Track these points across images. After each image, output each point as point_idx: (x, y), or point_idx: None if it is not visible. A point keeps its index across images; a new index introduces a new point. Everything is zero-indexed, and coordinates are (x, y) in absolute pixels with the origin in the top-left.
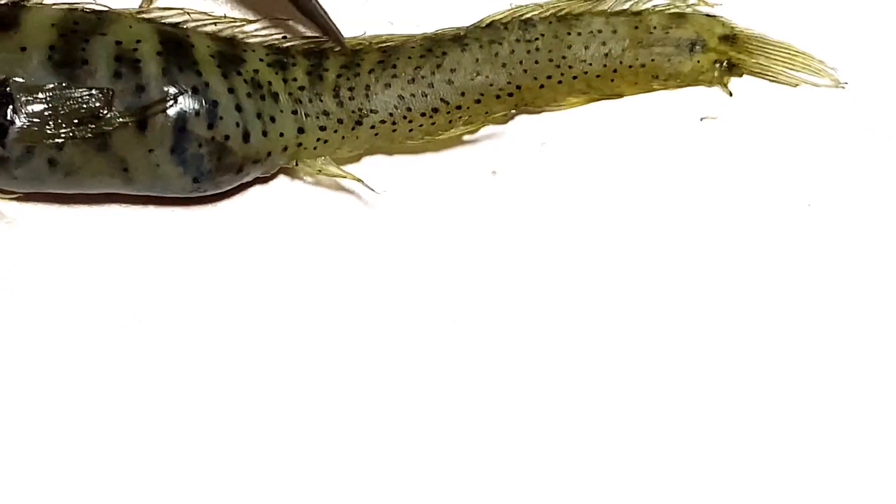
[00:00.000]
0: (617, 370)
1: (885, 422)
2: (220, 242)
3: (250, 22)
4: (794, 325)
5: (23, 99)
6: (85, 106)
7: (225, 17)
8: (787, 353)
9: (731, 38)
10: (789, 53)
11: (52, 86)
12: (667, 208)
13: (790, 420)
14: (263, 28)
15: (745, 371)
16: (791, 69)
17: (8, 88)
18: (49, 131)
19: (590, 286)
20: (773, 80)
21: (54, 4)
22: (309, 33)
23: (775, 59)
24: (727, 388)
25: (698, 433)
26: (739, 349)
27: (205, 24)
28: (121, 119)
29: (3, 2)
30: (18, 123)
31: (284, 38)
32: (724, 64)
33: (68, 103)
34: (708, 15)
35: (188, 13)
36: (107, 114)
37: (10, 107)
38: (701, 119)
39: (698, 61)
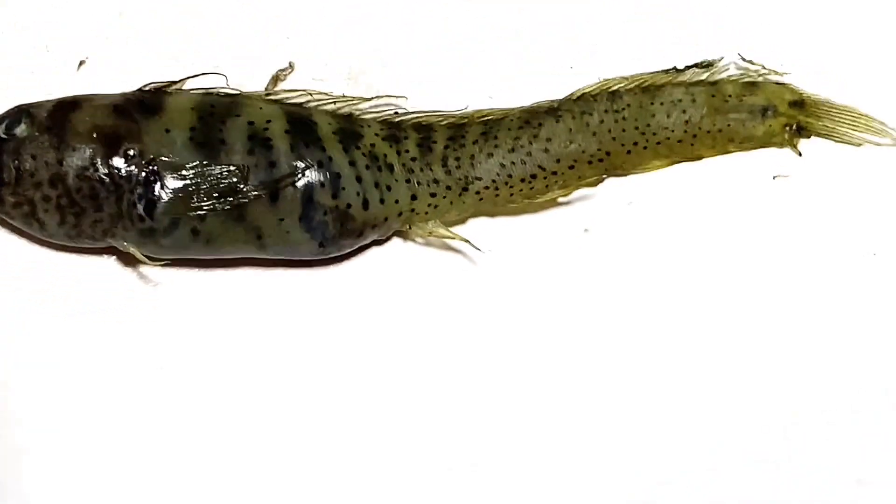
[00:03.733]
0: (708, 416)
1: None
2: (343, 299)
3: (365, 100)
4: (865, 369)
5: (169, 176)
6: (224, 181)
7: (343, 95)
8: (864, 404)
9: (800, 103)
10: (853, 116)
11: (194, 164)
12: (745, 260)
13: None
14: (377, 105)
15: (821, 426)
16: (855, 130)
17: (156, 167)
18: (193, 205)
19: (671, 332)
20: (838, 141)
21: (192, 90)
22: (417, 109)
23: (840, 122)
24: (798, 445)
25: None
26: (823, 400)
27: (325, 104)
28: (255, 192)
29: (146, 88)
30: (165, 198)
31: (396, 113)
32: (794, 127)
33: (209, 179)
34: (778, 83)
35: (310, 93)
36: (243, 188)
37: (158, 183)
38: (773, 177)
39: (770, 125)
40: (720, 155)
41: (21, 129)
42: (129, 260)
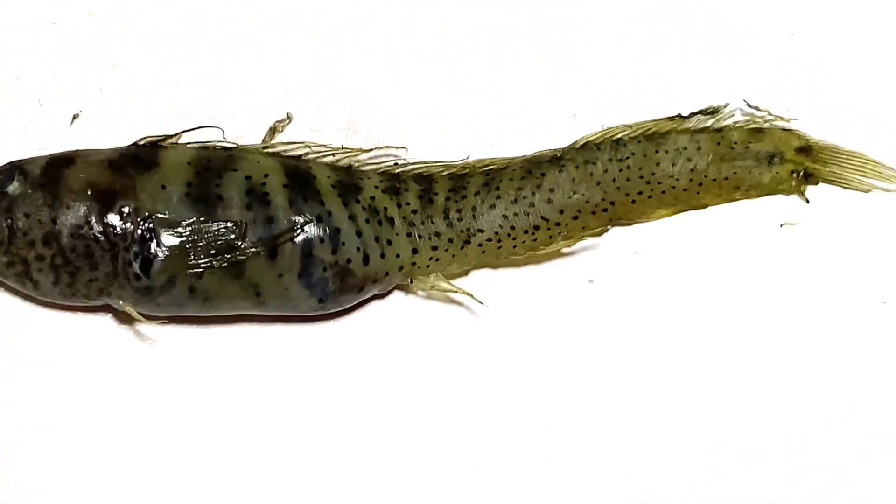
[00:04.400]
0: (716, 470)
1: None
2: (343, 354)
3: (364, 151)
4: (879, 417)
5: (165, 234)
6: (221, 238)
7: (342, 147)
8: (883, 454)
9: (807, 149)
10: (861, 162)
11: (191, 220)
12: (753, 309)
13: None
14: (376, 156)
15: (841, 474)
16: (863, 176)
17: (152, 224)
18: (189, 262)
19: (679, 386)
20: (846, 187)
21: (188, 143)
22: (418, 159)
23: (848, 168)
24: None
25: None
26: (840, 448)
27: (324, 156)
28: (253, 249)
29: (141, 143)
30: (162, 256)
31: (396, 164)
32: (801, 174)
33: (206, 236)
34: (784, 129)
35: (308, 146)
36: (241, 244)
37: (155, 241)
38: (781, 225)
39: (777, 172)
40: (726, 203)
41: (14, 187)
42: (125, 318)
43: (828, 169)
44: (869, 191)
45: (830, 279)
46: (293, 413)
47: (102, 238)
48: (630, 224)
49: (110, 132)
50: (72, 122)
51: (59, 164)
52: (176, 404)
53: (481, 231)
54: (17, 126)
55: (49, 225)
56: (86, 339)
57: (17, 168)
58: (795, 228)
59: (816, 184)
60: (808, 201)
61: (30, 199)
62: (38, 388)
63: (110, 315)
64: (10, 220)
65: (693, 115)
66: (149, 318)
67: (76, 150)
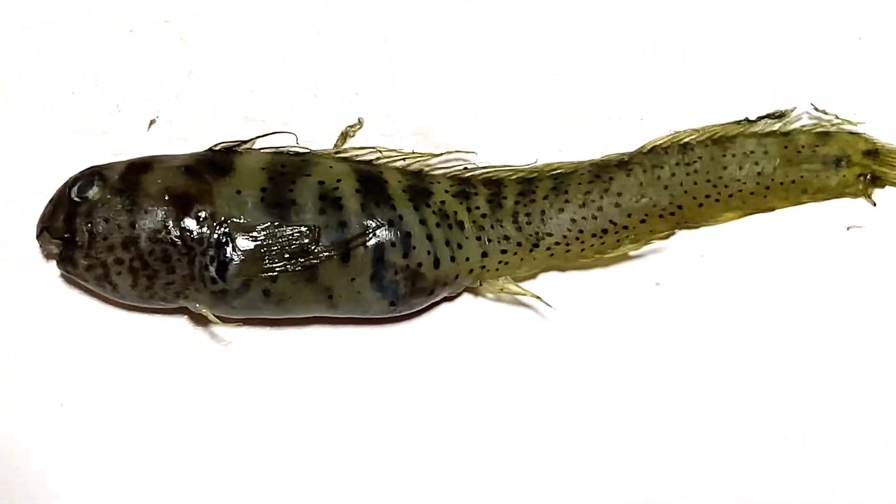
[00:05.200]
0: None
1: None
2: (414, 356)
3: (434, 156)
4: None
5: (240, 238)
6: (295, 242)
7: (412, 152)
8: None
9: (874, 153)
10: None
11: (265, 225)
12: (820, 312)
13: None
14: (446, 160)
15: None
16: None
17: (227, 229)
18: (264, 266)
19: (745, 382)
20: None
21: (262, 149)
22: (487, 163)
23: None
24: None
25: None
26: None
27: (395, 160)
28: (326, 253)
29: (217, 148)
30: (237, 260)
31: (465, 168)
32: (868, 177)
33: (280, 240)
34: (851, 132)
35: (380, 150)
36: (314, 248)
37: (230, 245)
38: (848, 228)
39: (844, 175)
40: (793, 206)
41: (93, 192)
42: (200, 319)
43: (895, 172)
44: None
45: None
46: (366, 413)
47: (179, 242)
48: (697, 227)
49: (186, 137)
50: (149, 127)
51: (137, 170)
52: (250, 404)
53: (549, 235)
54: (96, 131)
55: (128, 229)
56: (163, 340)
57: (96, 174)
58: (862, 231)
59: (883, 187)
60: (874, 204)
61: (109, 204)
62: (116, 388)
63: (186, 317)
64: (90, 225)
65: (760, 118)
66: (224, 320)
67: (153, 156)
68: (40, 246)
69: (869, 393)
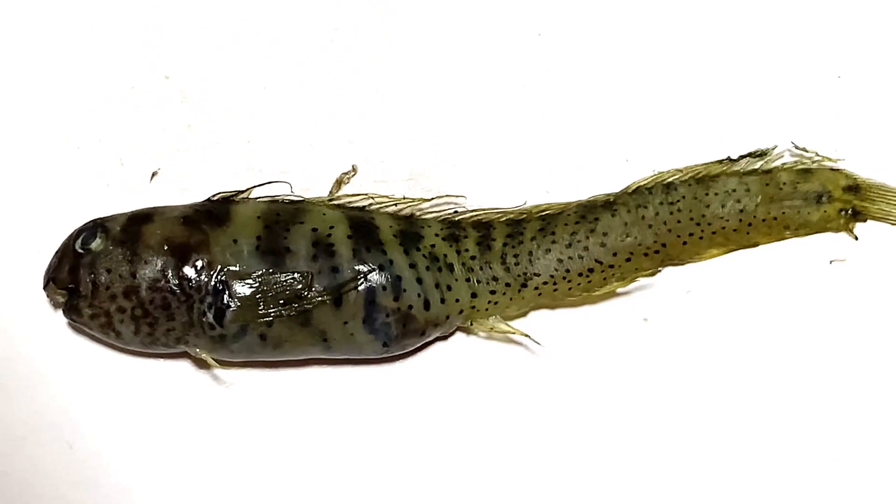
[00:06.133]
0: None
1: None
2: (408, 394)
3: (425, 200)
4: None
5: (237, 285)
6: (289, 288)
7: (404, 197)
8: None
9: (855, 188)
10: None
11: (260, 272)
12: (803, 343)
13: None
14: (437, 204)
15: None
16: None
17: (224, 276)
18: (260, 311)
19: (732, 418)
20: (894, 224)
21: (258, 198)
22: (476, 206)
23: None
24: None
25: None
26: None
27: (387, 206)
28: (319, 298)
29: (215, 198)
30: (234, 306)
31: (455, 212)
32: (849, 212)
33: (275, 287)
34: (832, 169)
35: (372, 197)
36: (308, 294)
37: (227, 293)
38: (830, 262)
39: (825, 211)
40: (776, 241)
41: (96, 244)
42: (202, 363)
43: (875, 206)
44: None
45: (879, 315)
46: (363, 450)
47: (178, 290)
48: (682, 264)
49: (187, 188)
50: (151, 179)
51: (138, 221)
52: (251, 444)
53: (537, 275)
54: (100, 184)
55: (129, 279)
56: (166, 383)
57: (99, 226)
58: (845, 265)
59: (865, 221)
60: (856, 238)
61: (111, 254)
62: (122, 429)
63: (188, 361)
64: (93, 275)
65: (742, 157)
66: (224, 363)
67: (154, 207)
68: (47, 296)
69: (855, 421)
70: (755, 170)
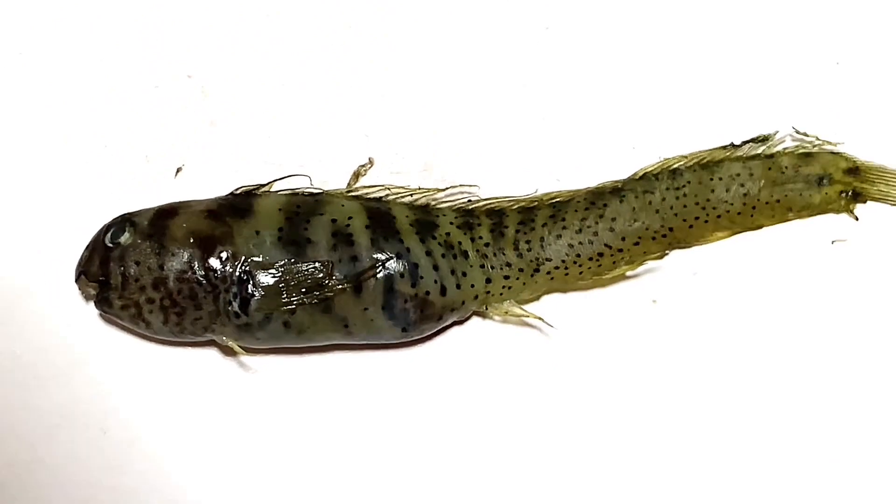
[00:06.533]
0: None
1: None
2: (427, 377)
3: (440, 190)
4: None
5: (260, 275)
6: (310, 277)
7: (419, 187)
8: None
9: (854, 170)
10: None
11: (282, 262)
12: (807, 322)
13: None
14: (451, 194)
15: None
16: None
17: (248, 267)
18: (283, 300)
19: (738, 393)
20: (894, 205)
21: (279, 191)
22: (489, 195)
23: (895, 186)
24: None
25: None
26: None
27: (402, 196)
28: (340, 286)
29: (237, 192)
30: (258, 295)
31: (469, 201)
32: (850, 193)
33: (297, 276)
34: (832, 152)
35: (388, 188)
36: (328, 282)
37: (251, 282)
38: (832, 242)
39: (826, 193)
40: (780, 223)
41: (125, 238)
42: (229, 350)
43: (875, 188)
44: None
45: (880, 293)
46: (385, 431)
47: (205, 281)
48: (689, 247)
49: (211, 182)
50: (176, 175)
51: (165, 215)
52: (277, 427)
53: (549, 260)
54: (127, 180)
55: (157, 271)
56: (195, 370)
57: (127, 220)
58: (846, 245)
59: (865, 202)
60: (857, 219)
61: (139, 248)
62: (154, 415)
63: (216, 349)
64: (122, 268)
65: (745, 143)
66: (249, 350)
67: (180, 202)
68: (79, 288)
69: (858, 401)
70: (758, 155)
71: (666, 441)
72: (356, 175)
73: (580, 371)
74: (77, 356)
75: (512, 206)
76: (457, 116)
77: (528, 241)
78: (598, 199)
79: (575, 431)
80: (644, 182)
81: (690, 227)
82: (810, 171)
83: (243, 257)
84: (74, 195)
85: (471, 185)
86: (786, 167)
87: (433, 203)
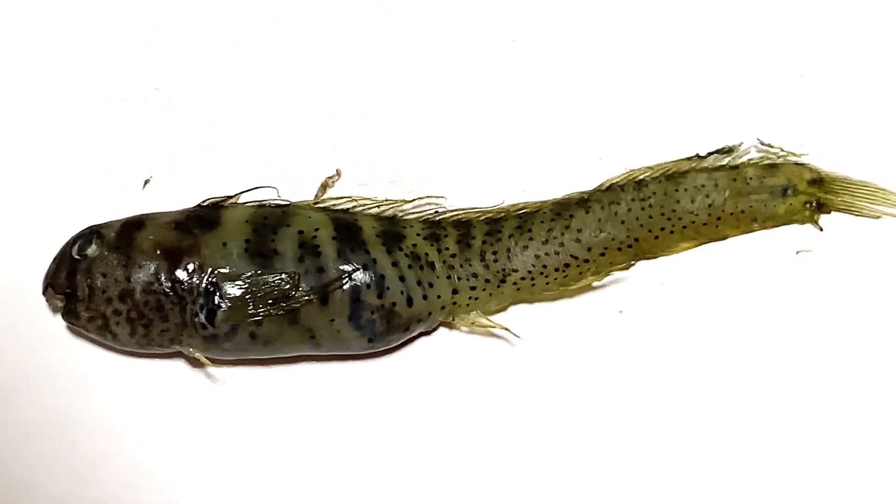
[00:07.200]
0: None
1: None
2: (394, 388)
3: (407, 202)
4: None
5: (227, 286)
6: (277, 288)
7: (386, 199)
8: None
9: (819, 181)
10: (870, 191)
11: (249, 274)
12: (772, 331)
13: None
14: (418, 205)
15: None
16: (872, 204)
17: (214, 278)
18: (250, 311)
19: (703, 404)
20: (857, 215)
21: (246, 203)
22: (456, 206)
23: (858, 197)
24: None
25: None
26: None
27: (370, 207)
28: (306, 297)
29: (205, 204)
30: (224, 307)
31: (436, 212)
32: (814, 204)
33: (263, 287)
34: (797, 163)
35: (355, 199)
36: (295, 293)
37: (218, 294)
38: (797, 252)
39: (791, 204)
40: (745, 234)
41: (92, 250)
42: (196, 362)
43: (839, 199)
44: (879, 217)
45: (844, 302)
46: (353, 441)
47: (171, 293)
48: (655, 257)
49: (178, 194)
50: (143, 186)
51: (132, 228)
52: (246, 438)
53: (515, 271)
54: (94, 193)
55: (124, 283)
56: (163, 382)
57: (94, 232)
58: (811, 255)
59: (829, 213)
60: (821, 229)
61: (106, 260)
62: (121, 427)
63: (183, 361)
64: (89, 280)
65: (710, 154)
66: (216, 362)
67: (147, 214)
68: (46, 301)
69: (823, 409)
70: (723, 166)
71: (633, 450)
72: (324, 187)
73: (547, 381)
74: (45, 368)
75: (479, 217)
76: (423, 130)
77: (494, 252)
78: (565, 210)
79: (542, 441)
80: (610, 193)
81: (656, 237)
82: (775, 182)
83: (210, 269)
84: (41, 208)
85: (437, 197)
86: (751, 178)
87: (400, 214)
